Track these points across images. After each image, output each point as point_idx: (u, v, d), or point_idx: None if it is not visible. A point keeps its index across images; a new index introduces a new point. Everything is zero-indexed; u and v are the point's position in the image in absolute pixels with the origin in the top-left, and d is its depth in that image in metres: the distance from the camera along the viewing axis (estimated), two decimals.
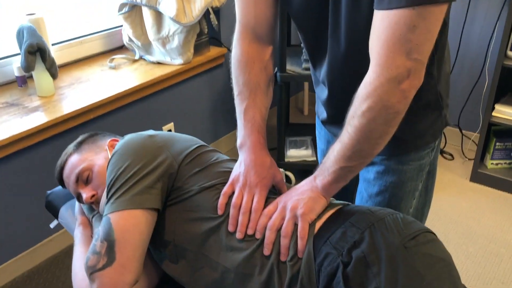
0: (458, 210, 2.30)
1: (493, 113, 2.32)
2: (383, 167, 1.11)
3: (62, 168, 1.18)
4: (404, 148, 1.08)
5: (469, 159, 2.66)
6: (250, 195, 0.96)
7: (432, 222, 2.20)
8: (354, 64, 0.95)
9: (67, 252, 2.04)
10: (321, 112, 1.19)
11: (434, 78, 1.01)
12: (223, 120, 2.71)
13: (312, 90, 3.24)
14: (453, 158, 2.70)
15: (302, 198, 0.93)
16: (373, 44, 0.84)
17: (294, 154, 2.46)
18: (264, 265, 0.90)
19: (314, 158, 2.43)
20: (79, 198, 1.16)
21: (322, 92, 1.11)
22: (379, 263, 0.81)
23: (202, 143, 1.11)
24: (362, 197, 1.19)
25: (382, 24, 0.80)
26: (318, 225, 0.91)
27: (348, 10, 0.89)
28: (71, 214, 1.27)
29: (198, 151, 1.06)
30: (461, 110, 2.68)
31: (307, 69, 2.22)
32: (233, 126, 2.80)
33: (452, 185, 2.48)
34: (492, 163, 2.48)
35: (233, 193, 0.98)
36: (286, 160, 2.44)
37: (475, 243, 2.09)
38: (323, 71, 1.04)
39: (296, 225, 0.91)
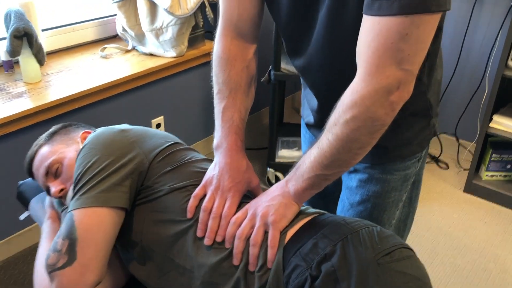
0: (449, 221, 2.25)
1: (491, 124, 2.27)
2: (366, 175, 1.06)
3: (31, 160, 1.14)
4: (389, 156, 1.03)
5: (464, 169, 2.61)
6: (222, 200, 0.91)
7: (421, 232, 2.16)
8: (342, 69, 0.90)
9: None
10: (307, 115, 1.15)
11: (424, 85, 0.96)
12: (214, 116, 2.66)
13: None
14: (448, 168, 2.65)
15: (273, 204, 0.88)
16: (362, 51, 0.78)
17: (286, 154, 2.41)
18: (231, 275, 0.86)
19: None
20: (48, 191, 1.12)
21: (309, 96, 1.06)
22: (349, 278, 0.76)
23: (178, 140, 1.06)
24: (344, 205, 1.14)
25: (372, 30, 0.75)
26: (289, 234, 0.86)
27: (334, 14, 0.84)
28: (41, 207, 1.23)
29: (171, 148, 1.01)
30: (458, 119, 2.63)
31: None
32: None
33: (444, 195, 2.43)
34: (487, 175, 2.42)
35: (204, 196, 0.93)
36: (277, 160, 2.39)
37: (463, 256, 2.05)
38: (309, 76, 1.00)
39: (266, 233, 0.87)
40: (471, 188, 2.43)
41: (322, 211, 0.93)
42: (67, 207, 1.13)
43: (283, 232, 0.86)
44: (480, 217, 2.29)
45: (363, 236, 0.82)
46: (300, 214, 0.90)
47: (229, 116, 0.98)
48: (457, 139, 2.67)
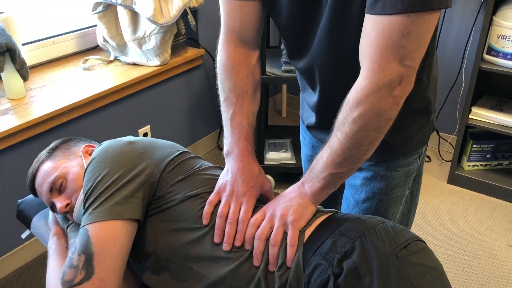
0: (436, 213, 2.31)
1: (470, 116, 2.34)
2: (371, 173, 1.09)
3: (34, 177, 1.12)
4: (392, 154, 1.06)
5: (446, 161, 2.68)
6: (238, 205, 0.93)
7: None
8: (345, 69, 0.93)
9: (40, 261, 1.96)
10: (308, 117, 1.16)
11: (424, 84, 1.00)
12: (200, 123, 2.66)
13: (290, 92, 3.23)
14: (430, 160, 2.72)
15: (292, 204, 0.90)
16: (365, 50, 0.81)
17: (274, 157, 2.43)
18: (252, 277, 0.87)
19: (294, 161, 2.40)
20: (52, 207, 1.10)
21: (310, 97, 1.08)
22: (371, 273, 0.79)
23: (185, 149, 1.07)
24: (349, 203, 1.16)
25: (375, 29, 0.78)
26: (307, 233, 0.88)
27: (337, 15, 0.87)
28: (44, 224, 1.21)
29: (180, 158, 1.02)
30: (438, 112, 2.71)
31: (287, 71, 2.19)
32: (211, 128, 2.76)
33: (429, 187, 2.49)
34: (469, 165, 2.50)
35: (219, 202, 0.94)
36: (265, 163, 2.41)
37: (453, 246, 2.11)
38: (312, 78, 1.02)
39: (285, 233, 0.88)
40: (454, 179, 2.51)
41: (335, 210, 0.96)
42: (72, 223, 1.12)
43: (301, 232, 0.88)
44: (465, 207, 2.36)
45: (379, 231, 0.85)
46: (315, 213, 0.92)
47: (237, 122, 0.99)
48: (438, 132, 2.74)
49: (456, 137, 2.46)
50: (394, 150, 1.06)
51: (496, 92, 2.48)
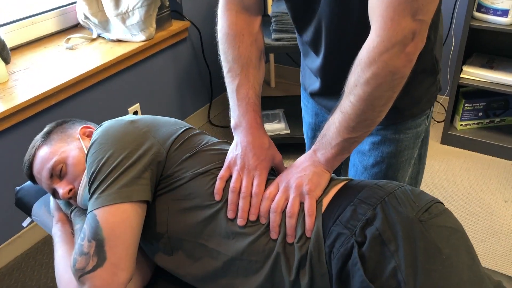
0: (433, 173, 2.33)
1: (461, 75, 2.33)
2: (379, 137, 1.07)
3: (31, 163, 1.07)
4: (401, 116, 1.04)
5: (438, 122, 2.69)
6: (250, 179, 0.90)
7: None
8: (352, 28, 0.89)
9: (39, 248, 1.92)
10: (311, 84, 1.13)
11: (431, 43, 0.97)
12: (190, 97, 2.60)
13: (278, 62, 3.17)
14: None
15: (306, 174, 0.87)
16: (375, 6, 0.78)
17: (268, 128, 2.40)
18: (270, 251, 0.85)
19: (288, 131, 2.38)
20: (54, 194, 1.06)
21: (313, 62, 1.04)
22: (396, 239, 0.77)
23: (189, 125, 1.03)
24: (357, 169, 1.15)
25: None
26: (325, 202, 0.86)
27: None
28: (46, 211, 1.17)
29: (186, 134, 0.98)
30: None
31: (277, 39, 2.14)
32: (201, 103, 2.70)
33: None
34: (461, 125, 2.51)
35: (230, 177, 0.91)
36: None
37: (452, 205, 2.13)
38: (317, 40, 0.98)
39: (301, 203, 0.86)
40: (448, 139, 2.51)
41: (350, 178, 0.93)
42: (75, 208, 1.08)
43: (319, 201, 0.86)
44: (460, 166, 2.38)
45: (399, 196, 0.83)
46: (330, 181, 0.90)
47: (244, 94, 0.95)
48: None
49: (448, 97, 2.46)
50: (402, 112, 1.04)
51: (485, 50, 2.47)
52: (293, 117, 2.46)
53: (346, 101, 0.85)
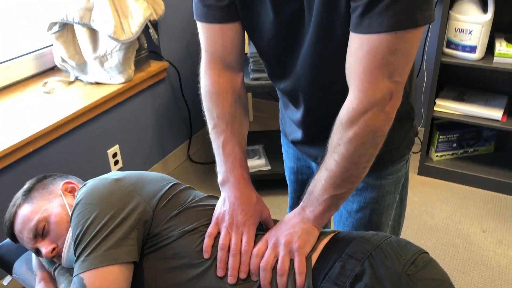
0: (411, 205, 2.36)
1: (435, 108, 2.40)
2: (362, 183, 1.09)
3: (12, 223, 1.05)
4: (382, 162, 1.06)
5: (414, 153, 2.75)
6: (239, 235, 0.90)
7: None
8: (330, 87, 0.92)
9: None
10: (291, 132, 1.15)
11: (406, 92, 1.00)
12: (169, 135, 2.60)
13: (255, 96, 3.21)
14: None
15: (295, 231, 0.88)
16: (352, 69, 0.81)
17: (248, 164, 2.40)
18: None
19: (269, 167, 2.39)
20: (37, 252, 1.04)
21: (293, 114, 1.07)
22: None
23: (175, 180, 1.03)
24: (341, 215, 1.16)
25: (362, 48, 0.78)
26: (314, 257, 0.87)
27: (322, 35, 0.85)
28: (28, 269, 1.14)
29: (172, 191, 0.98)
30: None
31: (255, 79, 2.18)
32: (180, 140, 2.70)
33: None
34: (437, 156, 2.57)
35: (218, 234, 0.91)
36: None
37: (432, 237, 2.16)
38: (295, 97, 1.00)
39: (291, 261, 0.87)
40: (425, 170, 2.57)
41: (337, 230, 0.95)
42: (59, 265, 1.06)
43: (308, 258, 0.87)
44: (437, 196, 2.43)
45: (385, 249, 0.84)
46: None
47: (230, 150, 0.96)
48: None
49: (423, 129, 2.52)
50: (382, 158, 1.05)
51: (456, 83, 2.56)
52: (273, 152, 2.47)
53: (330, 159, 0.87)
